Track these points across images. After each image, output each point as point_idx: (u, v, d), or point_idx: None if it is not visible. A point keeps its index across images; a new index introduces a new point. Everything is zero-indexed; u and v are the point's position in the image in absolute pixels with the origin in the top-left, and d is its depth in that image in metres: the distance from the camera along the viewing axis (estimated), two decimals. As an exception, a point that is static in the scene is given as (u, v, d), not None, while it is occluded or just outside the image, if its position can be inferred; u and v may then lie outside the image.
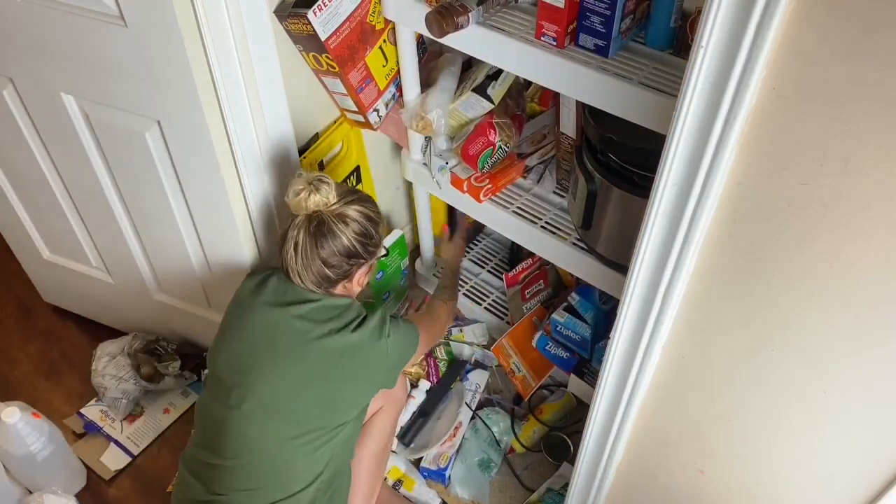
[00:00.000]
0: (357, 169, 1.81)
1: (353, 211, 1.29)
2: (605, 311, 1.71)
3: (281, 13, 1.34)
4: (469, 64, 1.63)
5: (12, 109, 1.52)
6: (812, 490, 1.03)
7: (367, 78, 1.51)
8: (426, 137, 1.69)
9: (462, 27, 1.26)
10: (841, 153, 0.72)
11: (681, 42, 1.19)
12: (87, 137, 1.49)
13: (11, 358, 2.03)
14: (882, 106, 0.67)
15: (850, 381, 0.87)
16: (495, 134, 1.56)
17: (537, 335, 1.80)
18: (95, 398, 1.90)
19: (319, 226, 1.26)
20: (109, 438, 1.84)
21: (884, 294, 0.78)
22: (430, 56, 1.66)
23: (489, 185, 1.63)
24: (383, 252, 1.44)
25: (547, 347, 1.79)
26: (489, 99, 1.55)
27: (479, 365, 1.92)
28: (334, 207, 1.28)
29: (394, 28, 1.50)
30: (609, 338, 1.10)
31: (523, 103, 1.70)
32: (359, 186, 1.84)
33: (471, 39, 1.31)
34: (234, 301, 1.39)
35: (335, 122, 1.70)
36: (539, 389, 1.87)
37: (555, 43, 1.22)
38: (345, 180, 1.77)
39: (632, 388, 1.12)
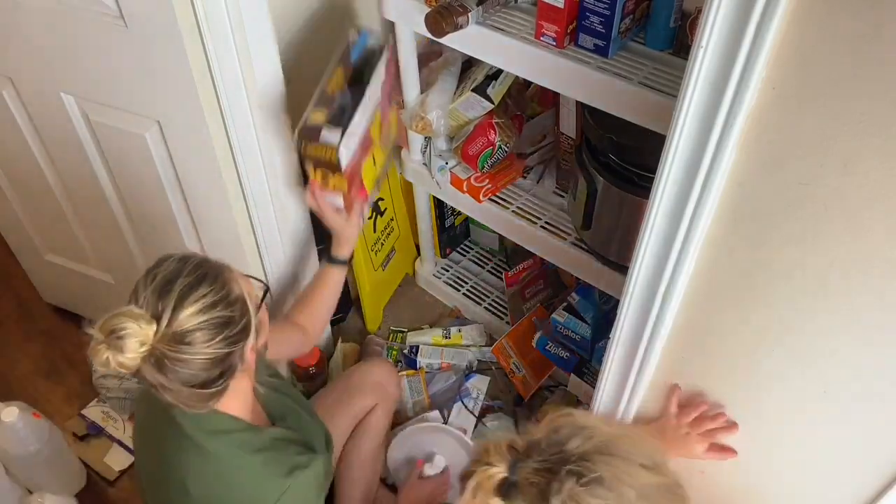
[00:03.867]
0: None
1: (189, 319, 0.93)
2: (605, 311, 1.71)
3: (307, 136, 1.30)
4: (469, 64, 1.63)
5: (12, 109, 1.52)
6: (812, 490, 1.03)
7: (360, 187, 1.50)
8: (426, 138, 1.69)
9: (462, 27, 1.26)
10: (841, 153, 0.72)
11: (680, 42, 1.19)
12: (87, 137, 1.49)
13: (11, 358, 2.03)
14: (882, 106, 0.67)
15: (850, 381, 0.87)
16: (495, 134, 1.56)
17: (537, 335, 1.80)
18: (96, 399, 1.90)
19: (160, 365, 0.93)
20: (112, 439, 1.83)
21: (884, 294, 0.78)
22: (430, 56, 1.66)
23: (489, 186, 1.63)
24: (257, 299, 1.07)
25: (547, 347, 1.79)
26: (489, 99, 1.55)
27: (479, 370, 1.91)
28: (160, 336, 0.92)
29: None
30: (609, 338, 1.10)
31: (523, 103, 1.70)
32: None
33: (470, 39, 1.31)
34: None
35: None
36: (539, 390, 1.87)
37: (554, 43, 1.22)
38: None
39: (632, 388, 1.12)
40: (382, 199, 1.87)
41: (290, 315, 1.48)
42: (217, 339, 0.95)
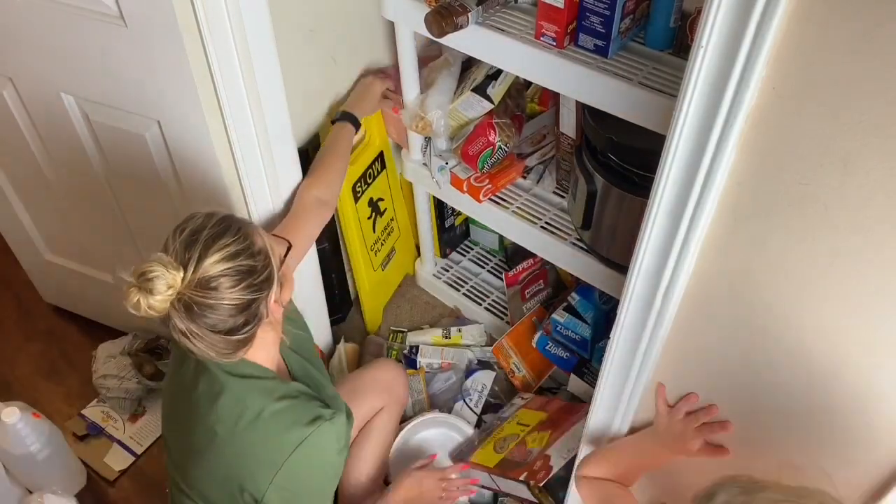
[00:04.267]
0: (381, 155, 1.80)
1: (214, 266, 0.99)
2: (605, 311, 1.71)
3: None
4: (469, 64, 1.63)
5: (12, 109, 1.52)
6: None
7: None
8: (426, 138, 1.69)
9: (461, 27, 1.26)
10: (841, 153, 0.72)
11: (680, 42, 1.19)
12: (87, 137, 1.49)
13: (11, 358, 2.03)
14: (882, 105, 0.67)
15: (850, 381, 0.87)
16: (495, 134, 1.56)
17: (537, 335, 1.80)
18: (96, 399, 1.90)
19: (189, 310, 0.98)
20: (112, 439, 1.84)
21: (884, 294, 0.78)
22: (430, 58, 1.66)
23: (489, 186, 1.63)
24: (280, 256, 1.13)
25: (547, 347, 1.79)
26: (489, 99, 1.55)
27: (483, 365, 1.91)
28: (188, 282, 0.98)
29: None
30: (609, 338, 1.10)
31: (523, 103, 1.70)
32: (384, 173, 1.83)
33: (470, 40, 1.31)
34: None
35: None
36: (539, 390, 1.87)
37: (554, 43, 1.22)
38: (369, 167, 1.76)
39: (632, 388, 1.12)
40: (382, 200, 1.87)
41: (307, 192, 1.47)
42: (241, 286, 1.00)
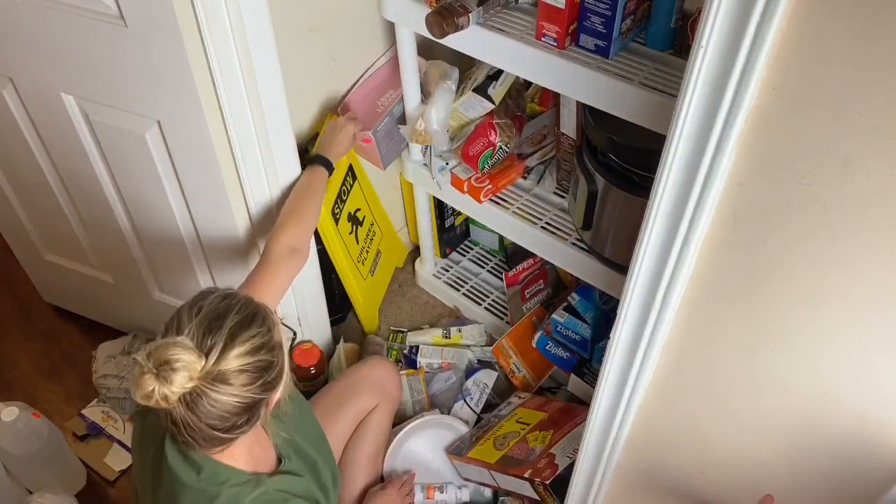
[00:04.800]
0: (350, 169, 1.79)
1: (237, 360, 0.91)
2: (605, 311, 1.71)
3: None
4: (469, 64, 1.63)
5: (12, 109, 1.52)
6: (812, 490, 1.03)
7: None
8: (426, 138, 1.69)
9: (462, 28, 1.26)
10: (841, 153, 0.72)
11: (681, 42, 1.19)
12: (87, 137, 1.49)
13: (11, 358, 2.03)
14: (882, 106, 0.67)
15: (849, 381, 0.87)
16: (496, 134, 1.56)
17: (537, 335, 1.80)
18: (97, 399, 1.90)
19: (195, 402, 0.91)
20: (112, 439, 1.83)
21: (884, 295, 0.78)
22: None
23: (489, 186, 1.63)
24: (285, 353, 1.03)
25: (547, 347, 1.79)
26: (490, 99, 1.55)
27: (484, 365, 1.91)
28: (205, 373, 0.90)
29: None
30: (609, 338, 1.10)
31: (523, 104, 1.70)
32: (356, 184, 1.81)
33: (471, 40, 1.31)
34: None
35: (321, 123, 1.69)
36: (539, 390, 1.87)
37: (555, 44, 1.22)
38: (342, 186, 1.74)
39: (632, 388, 1.12)
40: (359, 210, 1.85)
41: (278, 240, 1.32)
42: (256, 384, 0.93)
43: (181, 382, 0.87)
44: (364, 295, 1.94)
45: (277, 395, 1.00)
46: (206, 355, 0.89)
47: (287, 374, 1.01)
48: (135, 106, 1.37)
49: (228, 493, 1.03)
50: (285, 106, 1.42)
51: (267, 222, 1.54)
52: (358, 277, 1.88)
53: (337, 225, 1.73)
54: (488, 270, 2.11)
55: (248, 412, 0.95)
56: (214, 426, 0.93)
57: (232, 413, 0.93)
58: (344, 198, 1.76)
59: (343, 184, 1.75)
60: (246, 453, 1.07)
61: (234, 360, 0.91)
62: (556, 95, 1.56)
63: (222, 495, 1.02)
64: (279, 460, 1.15)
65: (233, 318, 0.93)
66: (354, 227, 1.84)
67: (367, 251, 1.93)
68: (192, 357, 0.87)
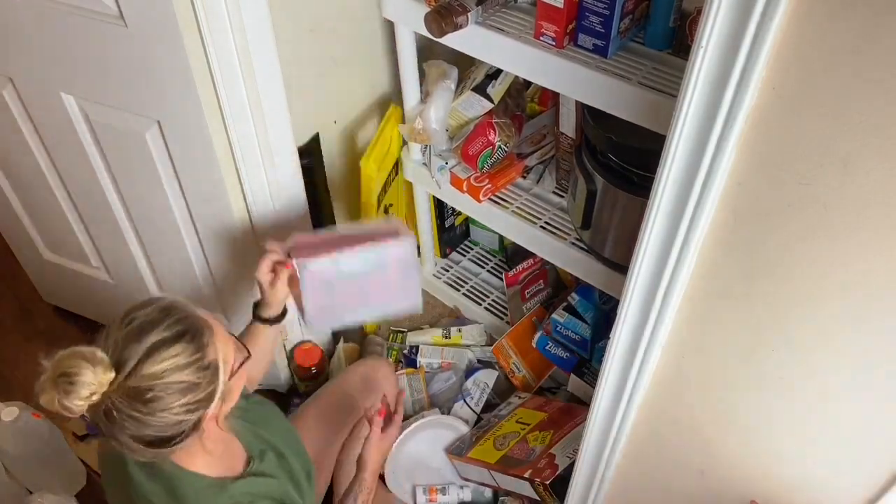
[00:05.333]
0: (397, 162, 1.77)
1: (152, 378, 0.87)
2: (605, 311, 1.71)
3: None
4: (468, 63, 1.63)
5: (12, 109, 1.52)
6: (812, 490, 1.03)
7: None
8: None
9: (461, 27, 1.26)
10: (841, 153, 0.72)
11: (680, 42, 1.19)
12: (87, 137, 1.49)
13: (11, 358, 2.03)
14: (882, 106, 0.67)
15: (850, 381, 0.87)
16: (495, 134, 1.56)
17: (537, 335, 1.80)
18: (95, 398, 1.90)
19: (108, 417, 0.87)
20: (110, 438, 1.83)
21: (884, 295, 0.78)
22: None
23: (489, 185, 1.63)
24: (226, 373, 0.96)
25: (547, 347, 1.79)
26: (489, 98, 1.55)
27: (485, 364, 1.91)
28: (116, 387, 0.86)
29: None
30: (609, 338, 1.10)
31: (523, 103, 1.70)
32: (396, 178, 1.77)
33: (470, 39, 1.31)
34: None
35: (384, 117, 1.69)
36: (539, 390, 1.87)
37: (554, 43, 1.22)
38: (389, 174, 1.71)
39: (632, 388, 1.12)
40: (392, 205, 1.84)
41: None
42: (175, 405, 0.88)
43: (82, 396, 0.83)
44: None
45: (211, 413, 0.94)
46: (119, 368, 0.86)
47: (221, 392, 0.94)
48: (135, 106, 1.37)
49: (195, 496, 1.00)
50: (285, 106, 1.42)
51: (267, 223, 1.55)
52: None
53: (376, 213, 1.71)
54: (488, 270, 2.11)
55: (171, 430, 0.91)
56: (137, 439, 0.89)
57: (152, 430, 0.89)
58: (388, 189, 1.75)
59: (390, 173, 1.72)
60: (202, 459, 1.03)
61: (151, 377, 0.87)
62: (556, 95, 1.56)
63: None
64: (249, 461, 1.12)
65: (158, 333, 0.89)
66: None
67: None
68: (96, 371, 0.83)
